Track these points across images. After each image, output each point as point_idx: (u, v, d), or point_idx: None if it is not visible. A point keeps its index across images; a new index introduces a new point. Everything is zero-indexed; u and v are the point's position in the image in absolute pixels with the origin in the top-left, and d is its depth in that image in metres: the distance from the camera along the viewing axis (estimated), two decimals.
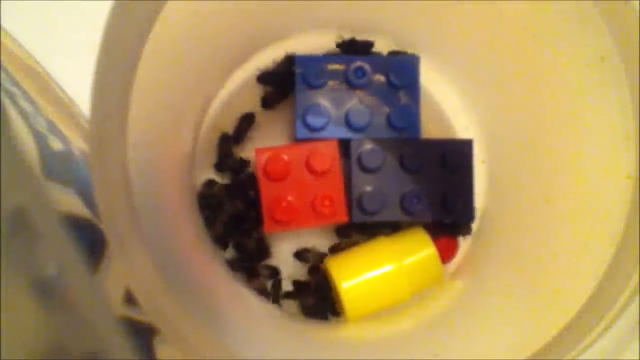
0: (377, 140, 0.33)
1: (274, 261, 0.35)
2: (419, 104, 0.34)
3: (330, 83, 0.33)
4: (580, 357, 0.23)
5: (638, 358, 0.22)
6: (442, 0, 0.31)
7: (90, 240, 0.25)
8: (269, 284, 0.34)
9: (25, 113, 0.26)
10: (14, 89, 0.27)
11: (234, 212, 0.34)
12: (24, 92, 0.28)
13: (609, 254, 0.24)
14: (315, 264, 0.34)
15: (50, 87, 0.32)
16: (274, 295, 0.34)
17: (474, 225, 0.35)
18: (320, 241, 0.35)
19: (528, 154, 0.33)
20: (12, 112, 0.25)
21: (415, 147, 0.33)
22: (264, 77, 0.35)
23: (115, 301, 0.25)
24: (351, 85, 0.33)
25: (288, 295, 0.34)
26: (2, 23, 0.31)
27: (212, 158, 0.35)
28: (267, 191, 0.32)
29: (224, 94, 0.35)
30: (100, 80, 0.19)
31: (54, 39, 0.34)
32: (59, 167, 0.25)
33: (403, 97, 0.34)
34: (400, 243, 0.33)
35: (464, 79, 0.36)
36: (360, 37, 0.35)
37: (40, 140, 0.25)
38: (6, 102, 0.25)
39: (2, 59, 0.29)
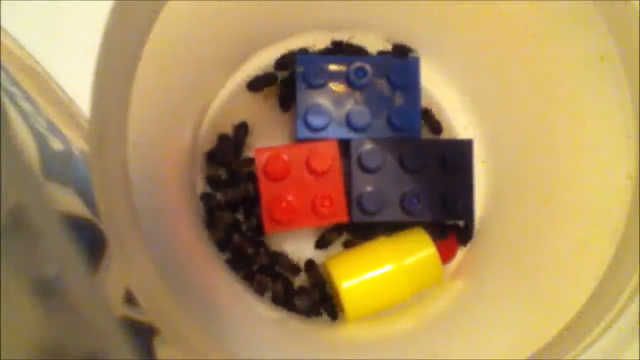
0: (377, 141, 0.33)
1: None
2: (419, 104, 0.34)
3: (331, 83, 0.33)
4: (580, 357, 0.23)
5: (638, 358, 0.22)
6: (442, 0, 0.31)
7: (90, 240, 0.25)
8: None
9: (25, 113, 0.26)
10: (14, 89, 0.27)
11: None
12: (24, 92, 0.28)
13: (609, 254, 0.24)
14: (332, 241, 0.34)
15: (50, 87, 0.32)
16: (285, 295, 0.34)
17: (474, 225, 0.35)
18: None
19: (528, 154, 0.33)
20: (12, 112, 0.25)
21: (415, 147, 0.33)
22: (254, 84, 0.35)
23: (115, 301, 0.25)
24: (352, 86, 0.33)
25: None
26: (2, 23, 0.31)
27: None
28: (267, 191, 0.32)
29: (224, 94, 0.35)
30: (100, 80, 0.19)
31: (54, 39, 0.34)
32: (59, 167, 0.25)
33: (403, 98, 0.34)
34: (400, 243, 0.33)
35: (464, 79, 0.36)
36: (360, 37, 0.35)
37: (40, 140, 0.25)
38: (6, 102, 0.25)
39: (2, 59, 0.29)
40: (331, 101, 0.33)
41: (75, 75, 0.30)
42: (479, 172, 0.35)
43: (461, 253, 0.36)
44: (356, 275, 0.32)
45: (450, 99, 0.36)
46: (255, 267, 0.34)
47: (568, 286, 0.26)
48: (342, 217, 0.33)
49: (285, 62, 0.35)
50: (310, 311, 0.34)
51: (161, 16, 0.21)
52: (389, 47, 0.36)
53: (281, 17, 0.34)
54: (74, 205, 0.24)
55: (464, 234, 0.35)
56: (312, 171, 0.32)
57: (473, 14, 0.31)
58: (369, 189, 0.33)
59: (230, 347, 0.22)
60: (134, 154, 0.21)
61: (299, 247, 0.35)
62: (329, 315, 0.34)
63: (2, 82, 0.27)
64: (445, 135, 0.36)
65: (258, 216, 0.33)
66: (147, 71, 0.21)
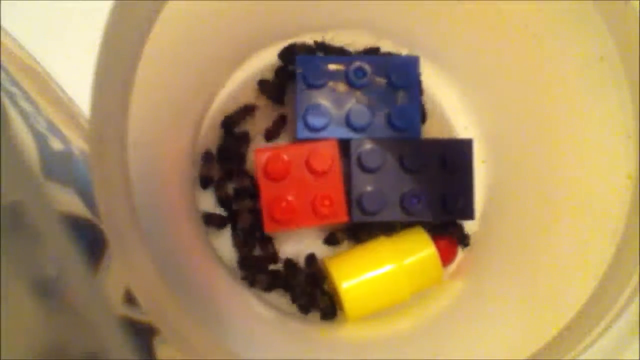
0: (377, 140, 0.33)
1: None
2: (419, 104, 0.34)
3: (331, 83, 0.33)
4: (580, 357, 0.23)
5: (638, 358, 0.22)
6: (442, 0, 0.31)
7: (90, 240, 0.25)
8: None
9: (25, 113, 0.26)
10: (14, 89, 0.27)
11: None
12: (24, 92, 0.28)
13: (609, 254, 0.24)
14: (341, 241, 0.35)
15: (50, 87, 0.32)
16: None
17: (474, 225, 0.35)
18: (320, 241, 0.35)
19: (528, 154, 0.33)
20: (12, 112, 0.25)
21: (415, 147, 0.33)
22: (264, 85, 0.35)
23: (115, 301, 0.25)
24: (352, 86, 0.33)
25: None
26: (2, 23, 0.32)
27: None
28: (267, 191, 0.32)
29: (224, 93, 0.35)
30: (100, 80, 0.19)
31: (54, 39, 0.34)
32: (59, 167, 0.25)
33: (403, 97, 0.34)
34: (401, 243, 0.33)
35: (464, 79, 0.36)
36: (360, 37, 0.35)
37: (40, 140, 0.25)
38: (6, 102, 0.25)
39: (2, 59, 0.29)
40: (331, 101, 0.33)
41: (75, 75, 0.30)
42: (479, 172, 0.35)
43: (461, 253, 0.36)
44: (356, 275, 0.32)
45: (450, 99, 0.36)
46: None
47: (568, 286, 0.26)
48: (342, 217, 0.33)
49: (289, 53, 0.35)
50: (309, 306, 0.34)
51: (161, 16, 0.21)
52: (390, 48, 0.36)
53: (281, 17, 0.34)
54: (74, 205, 0.24)
55: (462, 238, 0.35)
56: (312, 171, 0.32)
57: (473, 14, 0.31)
58: (369, 188, 0.33)
59: (230, 347, 0.22)
60: (134, 154, 0.20)
61: (300, 248, 0.35)
62: (323, 312, 0.34)
63: (2, 82, 0.27)
64: (445, 135, 0.36)
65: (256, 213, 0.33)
66: (147, 71, 0.21)
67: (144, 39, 0.21)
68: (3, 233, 0.14)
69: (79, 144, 0.28)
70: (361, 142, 0.33)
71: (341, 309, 0.33)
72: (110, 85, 0.19)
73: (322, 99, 0.33)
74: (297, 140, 0.33)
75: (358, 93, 0.34)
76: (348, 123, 0.33)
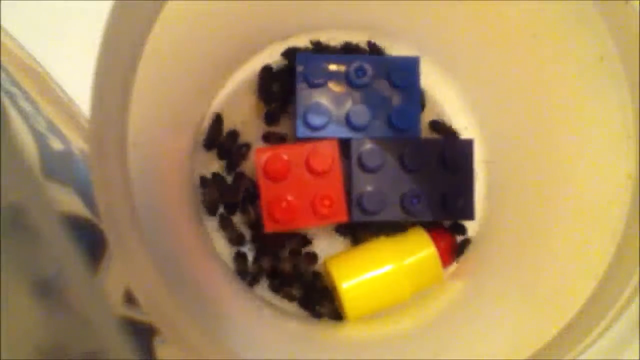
0: (377, 140, 0.33)
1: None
2: (419, 104, 0.34)
3: (331, 82, 0.33)
4: (580, 357, 0.23)
5: (638, 358, 0.22)
6: (443, 1, 0.31)
7: (90, 240, 0.25)
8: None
9: (25, 113, 0.26)
10: (14, 89, 0.27)
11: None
12: (24, 92, 0.28)
13: (609, 254, 0.24)
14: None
15: (50, 87, 0.32)
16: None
17: (474, 225, 0.35)
18: (320, 241, 0.35)
19: (528, 154, 0.33)
20: (12, 112, 0.25)
21: (416, 147, 0.33)
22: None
23: (115, 301, 0.25)
24: (352, 85, 0.33)
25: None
26: (2, 23, 0.31)
27: (213, 157, 0.35)
28: (267, 191, 0.32)
29: (224, 94, 0.35)
30: (100, 80, 0.19)
31: (54, 39, 0.34)
32: (59, 167, 0.25)
33: (403, 97, 0.34)
34: (401, 243, 0.33)
35: (464, 79, 0.36)
36: (360, 37, 0.35)
37: (40, 140, 0.25)
38: (6, 102, 0.25)
39: (2, 59, 0.29)
40: (331, 100, 0.33)
41: (75, 75, 0.30)
42: (479, 172, 0.35)
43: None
44: (356, 275, 0.32)
45: (450, 99, 0.36)
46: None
47: (568, 286, 0.26)
48: (342, 217, 0.33)
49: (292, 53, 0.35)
50: (306, 303, 0.34)
51: (161, 16, 0.21)
52: (389, 48, 0.36)
53: (282, 17, 0.34)
54: (74, 205, 0.24)
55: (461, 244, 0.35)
56: (312, 171, 0.32)
57: (473, 14, 0.31)
58: (369, 188, 0.33)
59: (230, 347, 0.22)
60: (134, 154, 0.20)
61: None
62: (313, 310, 0.34)
63: (2, 82, 0.27)
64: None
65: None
66: (147, 71, 0.21)
67: (144, 39, 0.21)
68: (3, 233, 0.14)
69: (79, 144, 0.28)
70: (361, 142, 0.33)
71: (341, 309, 0.33)
72: (110, 85, 0.19)
73: (322, 98, 0.33)
74: (296, 140, 0.33)
75: (358, 93, 0.34)
76: (348, 122, 0.33)
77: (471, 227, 0.36)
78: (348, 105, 0.33)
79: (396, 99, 0.34)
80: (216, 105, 0.35)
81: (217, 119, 0.34)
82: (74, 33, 0.34)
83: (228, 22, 0.30)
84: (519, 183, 0.34)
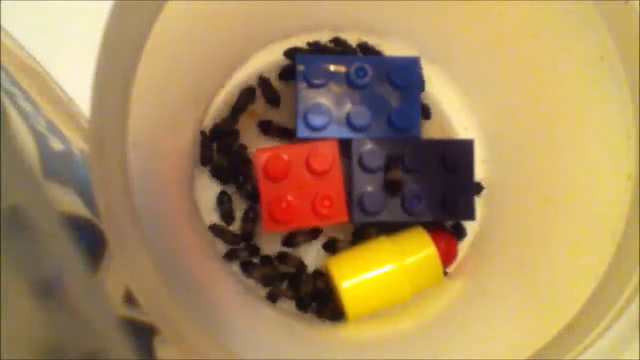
0: (377, 141, 0.33)
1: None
2: (419, 104, 0.34)
3: (332, 83, 0.33)
4: (580, 357, 0.23)
5: (638, 358, 0.22)
6: (443, 1, 0.31)
7: (90, 240, 0.25)
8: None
9: (25, 113, 0.26)
10: (14, 89, 0.27)
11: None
12: (24, 92, 0.28)
13: (609, 254, 0.24)
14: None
15: (50, 87, 0.32)
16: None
17: (474, 226, 0.35)
18: (319, 241, 0.35)
19: (528, 154, 0.33)
20: (12, 112, 0.25)
21: (416, 147, 0.33)
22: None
23: (115, 301, 0.25)
24: (352, 85, 0.33)
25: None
26: (2, 23, 0.31)
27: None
28: (267, 191, 0.32)
29: (224, 93, 0.35)
30: (100, 80, 0.19)
31: (54, 39, 0.34)
32: (59, 167, 0.25)
33: (403, 98, 0.34)
34: (401, 243, 0.33)
35: (464, 79, 0.36)
36: (361, 37, 0.35)
37: (40, 140, 0.25)
38: (6, 102, 0.25)
39: (2, 59, 0.29)
40: (331, 101, 0.33)
41: (75, 75, 0.30)
42: (479, 172, 0.35)
43: (461, 253, 0.36)
44: (356, 275, 0.32)
45: (450, 99, 0.36)
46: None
47: (568, 286, 0.26)
48: (342, 217, 0.33)
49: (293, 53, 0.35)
50: (305, 302, 0.34)
51: (161, 16, 0.21)
52: (389, 49, 0.36)
53: (281, 17, 0.34)
54: (74, 205, 0.24)
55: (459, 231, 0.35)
56: (312, 171, 0.32)
57: (473, 14, 0.31)
58: (369, 189, 0.33)
59: (230, 347, 0.22)
60: (134, 154, 0.21)
61: (302, 248, 0.35)
62: (332, 314, 0.34)
63: (2, 82, 0.27)
64: (445, 136, 0.36)
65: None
66: (147, 71, 0.21)
67: (144, 39, 0.21)
68: (3, 233, 0.14)
69: (79, 144, 0.28)
70: (362, 142, 0.33)
71: (341, 308, 0.33)
72: (110, 85, 0.19)
73: (323, 99, 0.33)
74: (297, 140, 0.33)
75: (359, 93, 0.34)
76: (348, 123, 0.33)
77: (471, 227, 0.36)
78: (348, 105, 0.33)
79: (396, 100, 0.34)
80: (216, 105, 0.35)
81: (204, 136, 0.35)
82: (74, 33, 0.34)
83: (228, 22, 0.30)
84: (519, 183, 0.34)
